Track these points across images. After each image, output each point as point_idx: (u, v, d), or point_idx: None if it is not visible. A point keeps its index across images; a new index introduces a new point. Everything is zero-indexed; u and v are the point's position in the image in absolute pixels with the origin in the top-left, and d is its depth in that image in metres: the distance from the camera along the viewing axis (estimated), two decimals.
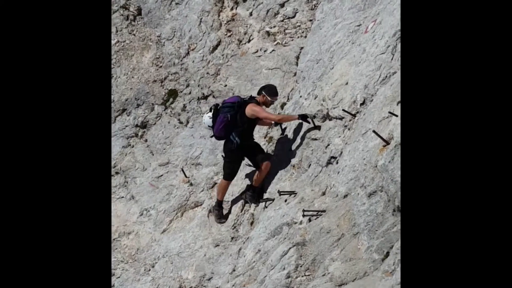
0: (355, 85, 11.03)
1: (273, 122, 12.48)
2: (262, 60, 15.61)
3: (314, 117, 11.25)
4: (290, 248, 9.25)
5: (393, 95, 9.57)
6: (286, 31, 15.95)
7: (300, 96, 13.01)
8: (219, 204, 12.47)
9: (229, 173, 12.25)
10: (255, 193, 12.16)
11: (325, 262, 8.53)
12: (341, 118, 10.78)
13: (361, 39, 12.02)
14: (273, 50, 15.67)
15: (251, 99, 11.83)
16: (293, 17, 16.19)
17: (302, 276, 8.73)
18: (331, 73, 12.17)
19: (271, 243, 10.03)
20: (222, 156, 12.49)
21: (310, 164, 11.19)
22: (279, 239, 9.85)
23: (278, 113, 13.05)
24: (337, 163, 10.34)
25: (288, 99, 13.99)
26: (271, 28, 16.00)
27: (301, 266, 8.88)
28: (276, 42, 15.82)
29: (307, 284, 8.48)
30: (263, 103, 11.84)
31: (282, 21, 16.15)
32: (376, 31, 11.48)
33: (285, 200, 10.97)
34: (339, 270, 8.04)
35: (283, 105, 13.80)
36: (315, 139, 11.36)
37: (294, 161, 11.73)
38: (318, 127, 11.19)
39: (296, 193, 10.87)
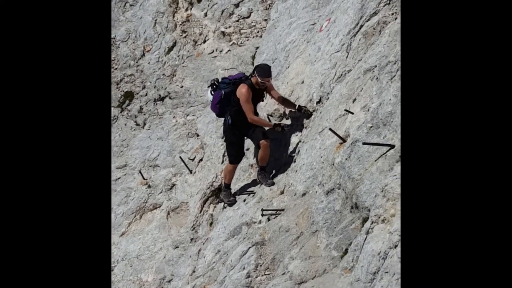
0: (311, 83, 11.09)
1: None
2: (218, 61, 15.59)
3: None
4: (249, 247, 9.26)
5: (348, 93, 9.64)
6: (242, 31, 15.96)
7: None
8: (227, 186, 11.50)
9: (232, 154, 11.33)
10: (264, 172, 11.06)
11: (284, 260, 8.55)
12: (298, 117, 10.82)
13: (316, 37, 12.08)
14: (228, 50, 15.67)
15: (246, 79, 10.86)
16: (248, 17, 16.21)
17: (262, 276, 8.75)
18: (287, 72, 12.22)
19: (230, 243, 10.03)
20: (222, 138, 12.02)
21: (268, 163, 11.20)
22: (238, 239, 9.86)
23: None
24: (294, 161, 10.38)
25: None
26: (226, 28, 16.00)
27: (260, 266, 8.89)
28: (231, 42, 15.82)
29: (267, 283, 8.49)
30: (257, 84, 10.70)
31: (237, 21, 16.16)
32: (331, 30, 11.54)
33: (244, 200, 10.98)
34: (299, 268, 8.07)
35: None
36: (273, 138, 11.38)
37: (252, 160, 11.74)
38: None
39: (254, 193, 10.89)
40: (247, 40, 15.67)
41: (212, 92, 11.06)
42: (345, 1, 11.67)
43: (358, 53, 10.33)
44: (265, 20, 15.83)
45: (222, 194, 11.54)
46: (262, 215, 9.76)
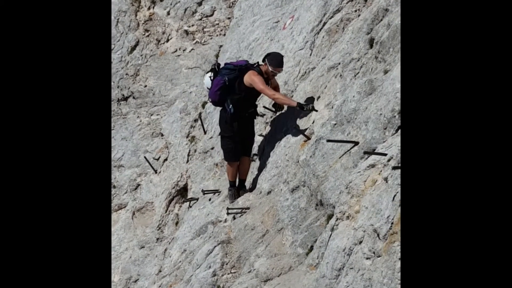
0: None
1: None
2: (181, 60, 15.57)
3: (312, 108, 9.15)
4: (215, 246, 9.26)
5: (312, 91, 9.68)
6: (205, 29, 15.94)
7: None
8: (232, 184, 10.37)
9: (229, 150, 10.18)
10: (231, 188, 10.33)
11: (250, 258, 8.57)
12: (262, 115, 10.83)
13: (279, 35, 12.11)
14: (192, 49, 15.65)
15: (255, 66, 9.95)
16: (211, 15, 16.19)
17: (228, 274, 8.75)
18: None
19: (196, 243, 10.02)
20: (219, 134, 10.75)
21: None
22: (204, 238, 9.85)
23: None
24: (259, 159, 10.40)
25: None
26: (189, 27, 15.97)
27: (226, 264, 8.90)
28: (195, 41, 15.80)
29: (233, 282, 8.50)
30: (266, 73, 9.79)
31: (200, 19, 16.14)
32: (294, 27, 11.58)
33: (209, 199, 10.98)
34: (265, 266, 8.09)
35: (204, 104, 13.79)
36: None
37: (217, 159, 11.73)
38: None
39: (220, 192, 10.88)
40: (211, 38, 15.66)
41: (211, 78, 10.10)
42: None
43: (322, 51, 10.38)
44: (229, 18, 15.84)
45: (228, 193, 10.39)
46: (228, 213, 9.77)
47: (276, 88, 10.11)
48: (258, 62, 9.98)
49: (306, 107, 9.09)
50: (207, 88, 10.27)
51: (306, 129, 9.04)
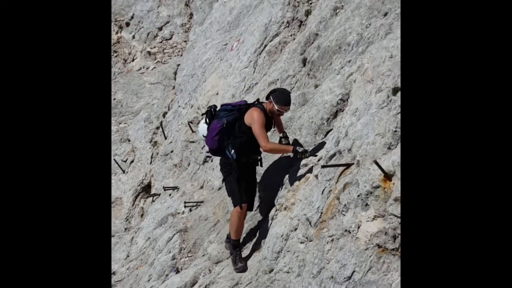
0: (224, 94, 11.12)
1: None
2: (145, 76, 15.49)
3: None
4: (174, 234, 9.21)
5: None
6: (165, 50, 15.89)
7: (179, 106, 12.98)
8: (235, 244, 7.47)
9: (237, 191, 7.37)
10: (236, 250, 7.48)
11: (204, 244, 8.55)
12: None
13: (228, 56, 12.12)
14: (154, 67, 15.59)
15: (256, 104, 7.40)
16: (170, 38, 16.14)
17: (186, 257, 8.72)
18: (204, 85, 12.21)
19: (158, 231, 9.96)
20: (223, 180, 7.82)
21: (189, 163, 11.18)
22: (165, 228, 9.80)
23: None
24: (211, 161, 10.39)
25: (168, 108, 13.93)
26: (151, 48, 15.91)
27: (184, 249, 8.86)
28: (156, 61, 15.74)
29: (189, 264, 8.47)
30: (270, 111, 7.28)
31: (161, 42, 16.09)
32: (240, 49, 11.60)
33: (170, 195, 10.92)
34: (216, 250, 8.07)
35: (164, 114, 13.73)
36: (193, 142, 11.36)
37: (176, 160, 11.69)
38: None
39: (178, 188, 10.85)
40: (170, 58, 15.62)
41: (208, 122, 7.60)
42: (252, 24, 11.75)
43: (263, 69, 10.42)
44: (185, 41, 15.82)
45: (231, 257, 7.53)
46: (185, 206, 9.74)
47: (279, 125, 7.69)
48: (258, 100, 7.52)
49: (304, 155, 6.81)
50: (203, 136, 7.77)
51: None
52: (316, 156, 6.86)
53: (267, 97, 7.32)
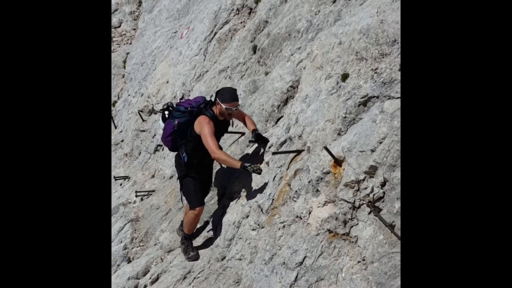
0: (174, 83, 11.04)
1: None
2: None
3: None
4: (125, 224, 9.14)
5: (206, 90, 9.66)
6: (114, 39, 15.66)
7: (129, 95, 12.85)
8: (187, 237, 7.48)
9: (190, 200, 7.26)
10: (187, 241, 7.49)
11: (156, 233, 8.50)
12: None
13: (177, 43, 12.03)
14: None
15: (206, 108, 7.09)
16: (119, 26, 15.93)
17: (137, 247, 8.65)
18: (154, 73, 12.11)
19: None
20: (177, 178, 7.64)
21: (140, 152, 11.09)
22: (116, 217, 9.71)
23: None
24: (162, 150, 10.32)
25: (118, 97, 13.78)
26: None
27: (135, 239, 8.80)
28: None
29: (141, 253, 8.41)
30: (221, 113, 6.97)
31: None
32: (190, 37, 11.53)
33: (121, 184, 10.82)
34: (168, 239, 8.04)
35: (114, 103, 13.56)
36: (143, 131, 11.27)
37: (126, 150, 11.58)
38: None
39: (129, 178, 10.75)
40: (119, 46, 15.41)
41: (163, 120, 7.42)
42: (201, 12, 11.68)
43: (214, 56, 10.38)
44: (134, 29, 15.63)
45: (182, 247, 7.56)
46: (136, 196, 9.67)
47: (246, 122, 7.29)
48: (210, 101, 7.20)
49: (250, 168, 6.36)
50: (161, 132, 7.81)
51: None
52: (260, 173, 6.41)
53: (214, 100, 7.03)
